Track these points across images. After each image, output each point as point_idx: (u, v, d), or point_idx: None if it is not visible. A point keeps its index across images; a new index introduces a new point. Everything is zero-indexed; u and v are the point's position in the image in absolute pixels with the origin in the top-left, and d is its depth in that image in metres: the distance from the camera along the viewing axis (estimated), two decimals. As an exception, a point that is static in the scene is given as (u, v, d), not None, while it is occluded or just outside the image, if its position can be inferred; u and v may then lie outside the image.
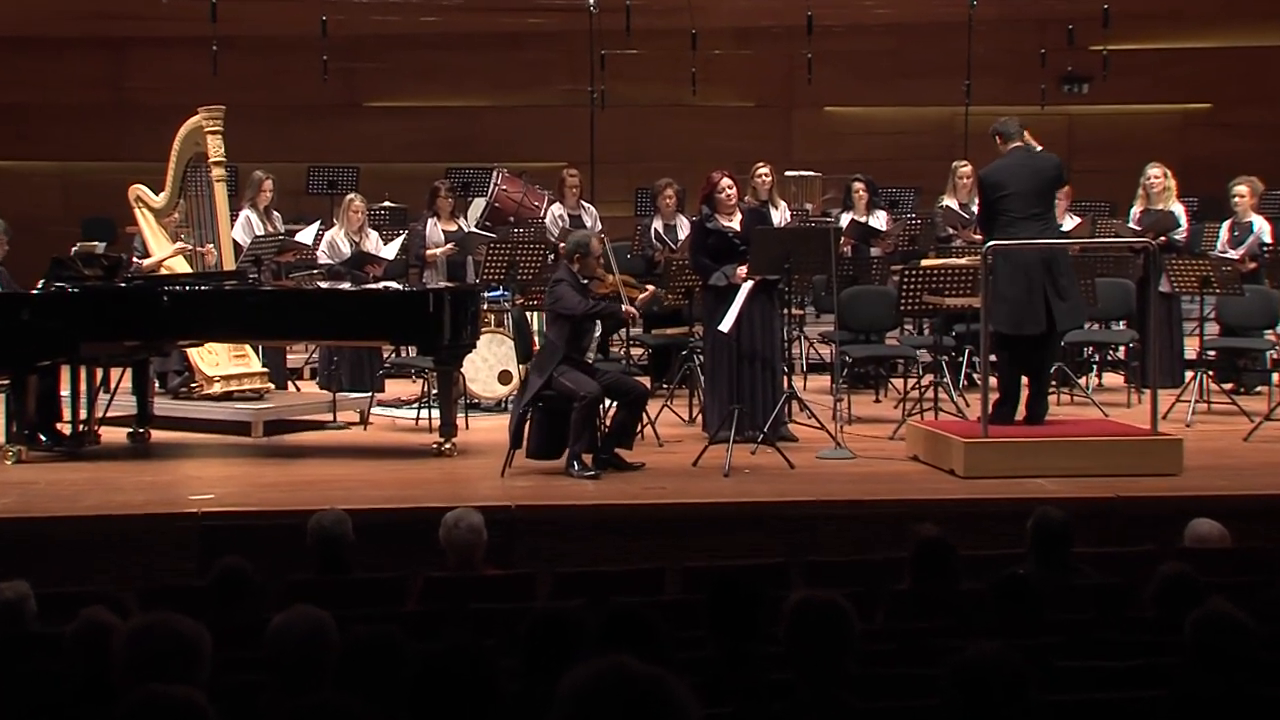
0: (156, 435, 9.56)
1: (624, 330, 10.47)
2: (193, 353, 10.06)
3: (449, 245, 11.40)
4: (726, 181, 9.28)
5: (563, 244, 11.34)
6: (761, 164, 11.49)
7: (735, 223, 9.25)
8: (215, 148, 10.05)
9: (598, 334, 8.69)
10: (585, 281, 8.55)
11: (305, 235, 11.47)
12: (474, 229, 11.98)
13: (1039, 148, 8.84)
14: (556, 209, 11.89)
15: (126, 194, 10.46)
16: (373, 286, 9.86)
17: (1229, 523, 6.56)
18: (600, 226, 11.76)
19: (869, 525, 7.54)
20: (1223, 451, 8.99)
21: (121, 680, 3.57)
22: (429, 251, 11.41)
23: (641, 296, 8.81)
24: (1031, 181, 8.64)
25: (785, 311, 9.61)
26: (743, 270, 9.06)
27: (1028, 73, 16.15)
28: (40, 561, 6.91)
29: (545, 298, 8.81)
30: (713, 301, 9.07)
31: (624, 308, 8.58)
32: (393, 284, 9.70)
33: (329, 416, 10.13)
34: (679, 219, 11.66)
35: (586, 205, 12.04)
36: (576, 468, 8.31)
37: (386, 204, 14.02)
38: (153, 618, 3.66)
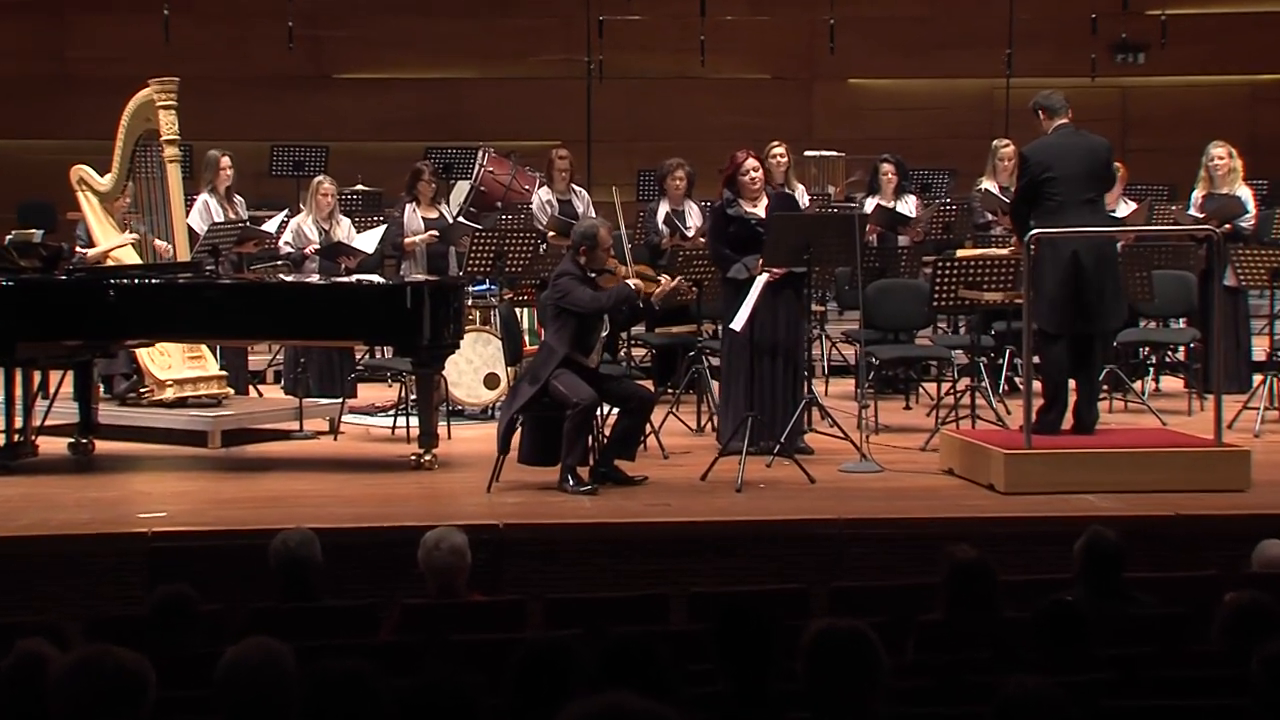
0: (101, 446, 9.55)
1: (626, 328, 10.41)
2: (142, 354, 10.05)
3: (429, 233, 11.40)
4: (752, 163, 9.29)
5: (552, 233, 11.41)
6: (777, 143, 11.48)
7: (760, 209, 9.25)
8: (168, 124, 10.05)
9: (605, 332, 8.66)
10: (594, 275, 8.54)
11: (270, 225, 11.47)
12: (457, 216, 11.99)
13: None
14: (544, 193, 11.88)
15: (68, 176, 10.45)
16: (344, 280, 9.86)
17: (1302, 544, 6.55)
18: (594, 212, 11.74)
19: (898, 547, 7.53)
20: (1295, 464, 8.99)
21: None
22: (407, 240, 11.40)
23: (660, 289, 8.79)
24: (1084, 163, 8.63)
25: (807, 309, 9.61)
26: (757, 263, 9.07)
27: (1076, 41, 16.15)
28: (-29, 587, 6.91)
29: (540, 293, 8.80)
30: (731, 296, 9.07)
31: (641, 286, 8.52)
32: (367, 277, 9.69)
33: (295, 425, 10.13)
34: (688, 204, 11.66)
35: (578, 189, 12.02)
36: (571, 482, 8.31)
37: (359, 187, 14.03)
38: (92, 651, 3.64)
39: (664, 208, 11.58)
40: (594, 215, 11.62)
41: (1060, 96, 8.83)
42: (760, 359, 9.07)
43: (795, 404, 9.11)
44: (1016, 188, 8.92)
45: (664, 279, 8.94)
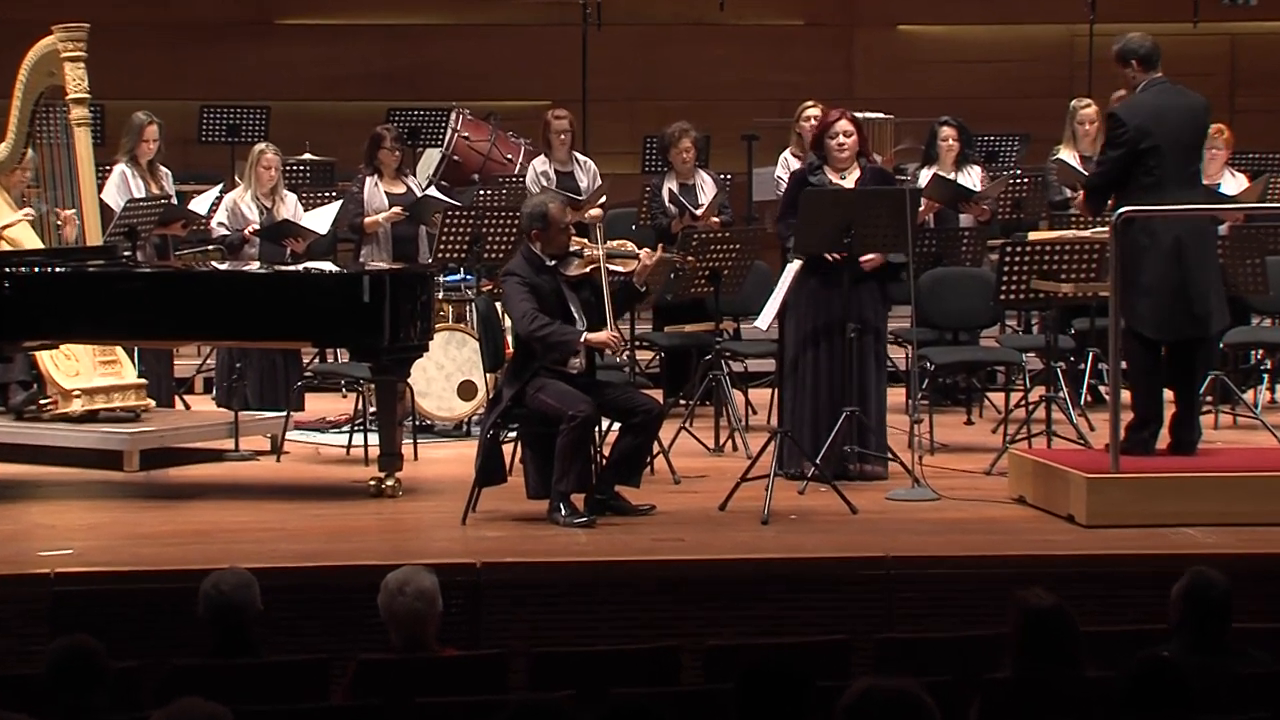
0: (-5, 469, 9.57)
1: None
2: (43, 358, 10.05)
3: (393, 210, 11.40)
4: (845, 125, 9.35)
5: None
6: (811, 103, 11.47)
7: (851, 181, 9.32)
8: (75, 80, 10.05)
9: (581, 329, 8.63)
10: (552, 263, 8.54)
11: (200, 202, 11.47)
12: (427, 191, 12.00)
13: None
14: (540, 164, 11.88)
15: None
16: (290, 268, 9.86)
17: None
18: (600, 184, 11.75)
19: (958, 590, 7.52)
20: None
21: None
22: (368, 220, 11.41)
23: (641, 265, 8.72)
24: (1186, 129, 8.60)
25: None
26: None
27: (1175, -21, 16.14)
28: None
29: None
30: (800, 283, 9.07)
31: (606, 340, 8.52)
32: (317, 265, 9.70)
33: (229, 444, 10.13)
34: (699, 176, 11.65)
35: (580, 158, 12.02)
36: (564, 512, 8.31)
37: (308, 157, 14.03)
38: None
39: (670, 184, 11.57)
40: (602, 187, 11.65)
41: (1152, 43, 8.79)
42: (819, 366, 9.17)
43: (856, 421, 9.11)
44: (1103, 158, 8.84)
45: (647, 253, 8.84)
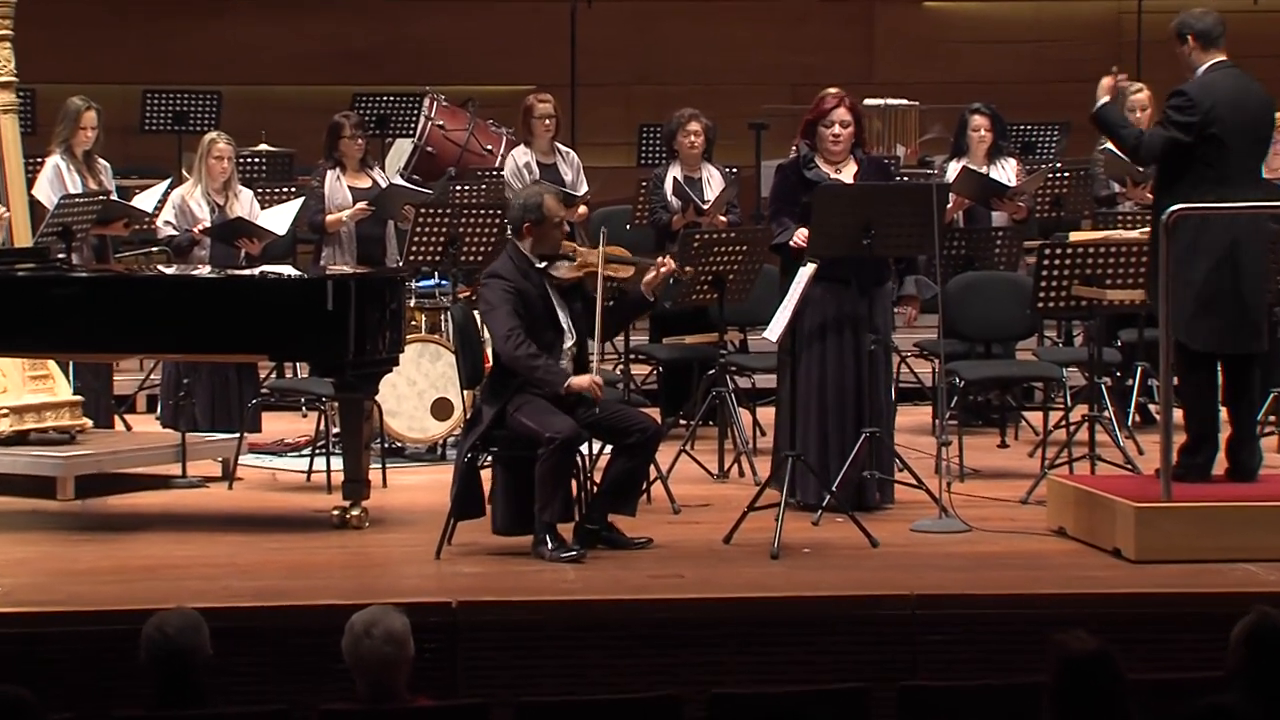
0: (-87, 496, 9.57)
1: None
2: (-33, 372, 10.07)
3: (358, 206, 11.39)
4: (842, 113, 9.37)
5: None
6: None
7: (847, 176, 9.33)
8: (1, 62, 10.05)
9: (571, 342, 8.63)
10: (542, 264, 8.53)
11: (144, 198, 11.47)
12: (397, 183, 12.00)
13: None
14: (521, 155, 11.88)
15: None
16: (245, 272, 9.86)
17: None
18: (584, 180, 11.76)
19: (990, 633, 7.53)
20: None
21: None
22: (329, 217, 11.41)
23: (649, 276, 8.75)
24: (1253, 120, 8.59)
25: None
26: (801, 235, 9.10)
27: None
28: None
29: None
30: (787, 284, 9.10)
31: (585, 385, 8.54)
32: (275, 268, 9.70)
33: (176, 469, 10.13)
34: (706, 170, 11.67)
35: (564, 149, 12.03)
36: (550, 545, 8.31)
37: (264, 148, 14.04)
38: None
39: (674, 173, 11.59)
40: (586, 188, 11.67)
41: (1214, 19, 8.75)
42: (826, 379, 9.19)
43: (869, 442, 9.14)
44: (1168, 136, 8.66)
45: (659, 262, 8.79)
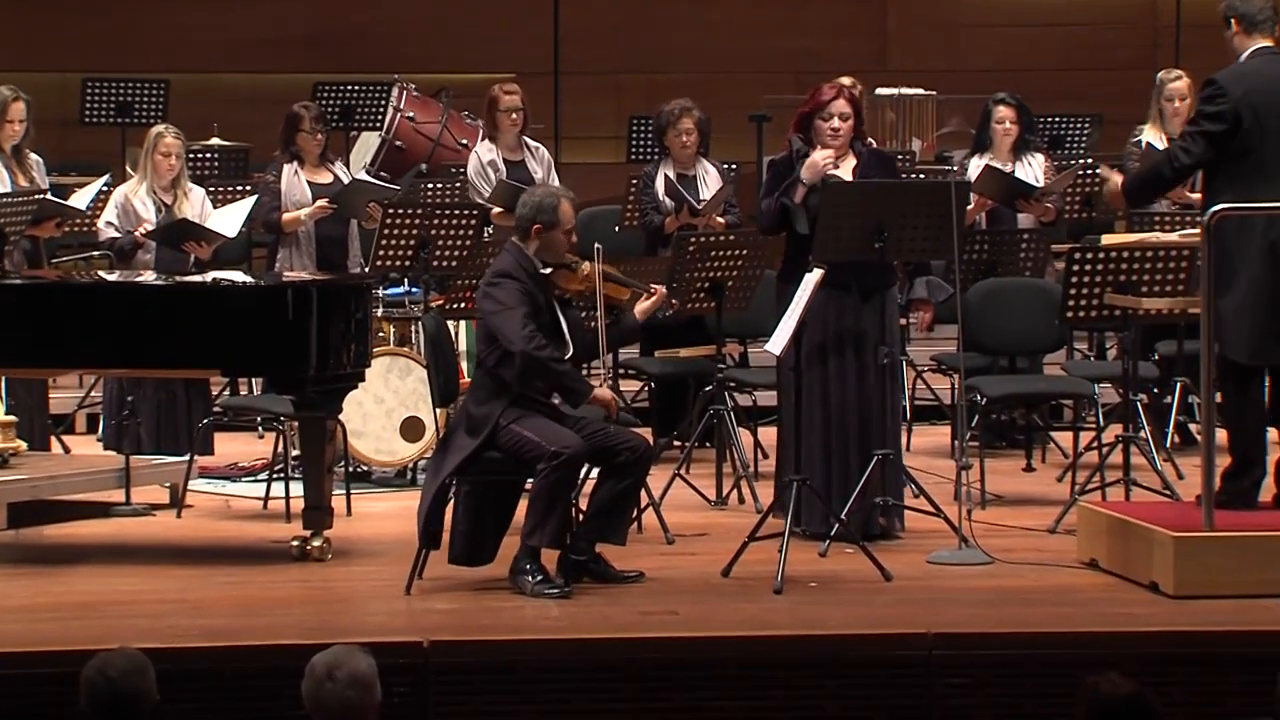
0: None
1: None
2: (-111, 390, 10.07)
3: (319, 203, 11.37)
4: (841, 105, 9.38)
5: (498, 209, 11.40)
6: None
7: (846, 171, 9.35)
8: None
9: (568, 355, 8.63)
10: (547, 271, 8.54)
11: (81, 197, 11.46)
12: (360, 178, 11.99)
13: None
14: (485, 151, 11.86)
15: None
16: (194, 279, 9.85)
17: None
18: (556, 179, 11.74)
19: (1016, 676, 7.52)
20: None
21: None
22: (286, 215, 11.41)
23: (644, 304, 8.78)
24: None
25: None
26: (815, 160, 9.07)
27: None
28: None
29: (478, 300, 8.80)
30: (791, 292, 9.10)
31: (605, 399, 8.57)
32: (227, 274, 9.69)
33: (119, 495, 10.11)
34: (701, 166, 11.67)
35: (532, 144, 12.01)
36: (533, 577, 8.29)
37: (216, 142, 14.04)
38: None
39: (666, 171, 11.59)
40: (558, 183, 11.62)
41: (1263, 3, 8.76)
42: (829, 394, 9.17)
43: (887, 465, 9.15)
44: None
45: (652, 289, 8.85)
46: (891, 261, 9.28)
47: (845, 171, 9.36)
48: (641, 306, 8.78)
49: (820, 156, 9.20)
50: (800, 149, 9.39)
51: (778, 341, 8.85)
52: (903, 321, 11.66)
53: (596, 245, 8.93)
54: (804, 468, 9.09)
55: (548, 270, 8.55)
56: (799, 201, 9.21)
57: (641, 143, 13.69)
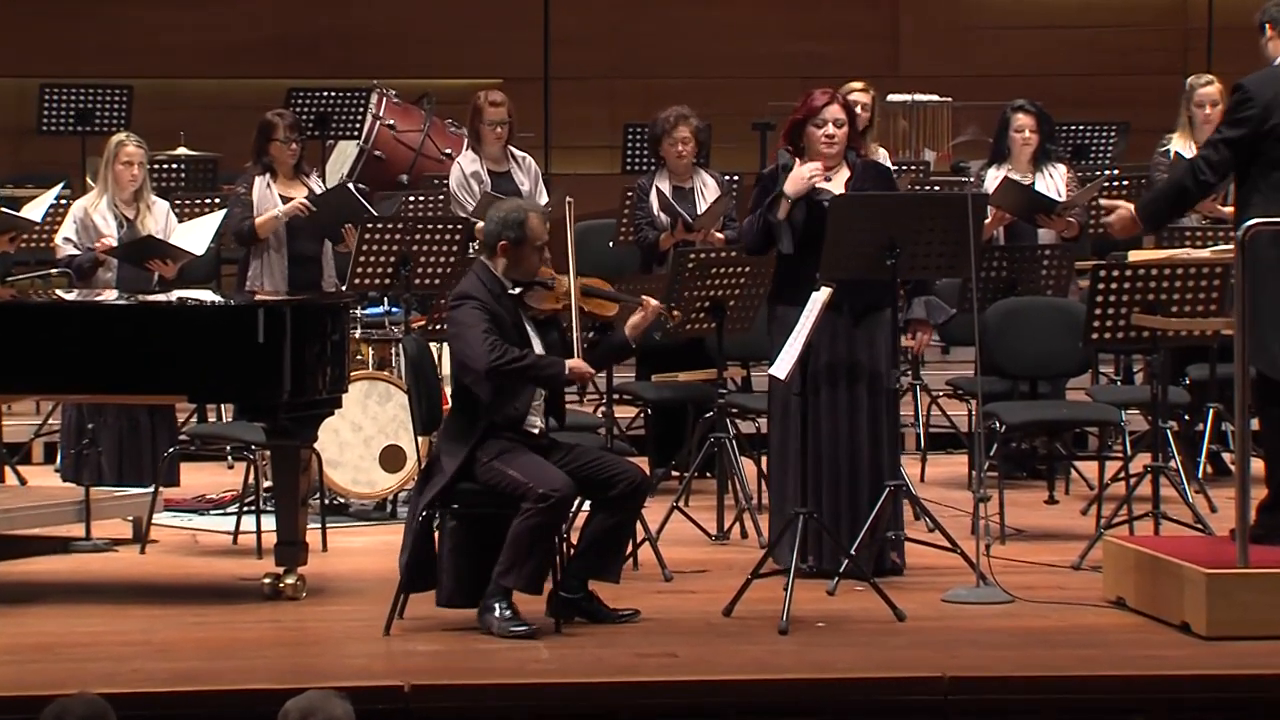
0: None
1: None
2: None
3: (297, 201, 11.34)
4: (836, 113, 9.37)
5: (481, 224, 11.42)
6: (859, 85, 11.53)
7: (839, 184, 9.36)
8: None
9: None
10: (517, 290, 8.55)
11: (35, 208, 11.48)
12: (346, 186, 12.01)
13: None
14: (469, 163, 11.89)
15: None
16: (159, 298, 9.88)
17: None
18: (544, 191, 11.77)
19: (1039, 722, 7.53)
20: None
21: None
22: (259, 219, 11.43)
23: (635, 318, 8.78)
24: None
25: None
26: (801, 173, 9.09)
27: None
28: None
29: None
30: (785, 316, 9.11)
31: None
32: (194, 293, 9.72)
33: (79, 530, 10.13)
34: (699, 177, 11.70)
35: (518, 154, 12.04)
36: (499, 613, 8.29)
37: (183, 151, 14.06)
38: None
39: (660, 184, 11.61)
40: (547, 200, 11.64)
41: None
42: (823, 425, 9.19)
43: (876, 495, 9.17)
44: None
45: (644, 302, 8.83)
46: (905, 279, 9.29)
47: (837, 184, 9.33)
48: (633, 321, 8.75)
49: (808, 170, 9.20)
50: (786, 162, 9.36)
51: (783, 365, 8.84)
52: (910, 343, 11.71)
53: (568, 198, 8.93)
54: (806, 500, 9.06)
55: (518, 290, 8.58)
56: (783, 217, 9.22)
57: (637, 152, 13.71)
